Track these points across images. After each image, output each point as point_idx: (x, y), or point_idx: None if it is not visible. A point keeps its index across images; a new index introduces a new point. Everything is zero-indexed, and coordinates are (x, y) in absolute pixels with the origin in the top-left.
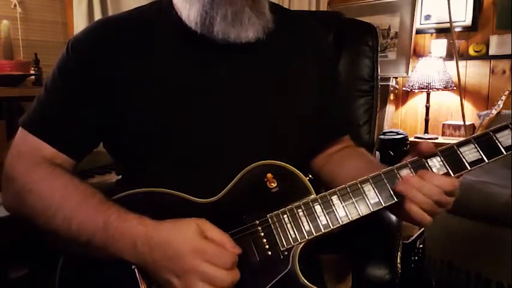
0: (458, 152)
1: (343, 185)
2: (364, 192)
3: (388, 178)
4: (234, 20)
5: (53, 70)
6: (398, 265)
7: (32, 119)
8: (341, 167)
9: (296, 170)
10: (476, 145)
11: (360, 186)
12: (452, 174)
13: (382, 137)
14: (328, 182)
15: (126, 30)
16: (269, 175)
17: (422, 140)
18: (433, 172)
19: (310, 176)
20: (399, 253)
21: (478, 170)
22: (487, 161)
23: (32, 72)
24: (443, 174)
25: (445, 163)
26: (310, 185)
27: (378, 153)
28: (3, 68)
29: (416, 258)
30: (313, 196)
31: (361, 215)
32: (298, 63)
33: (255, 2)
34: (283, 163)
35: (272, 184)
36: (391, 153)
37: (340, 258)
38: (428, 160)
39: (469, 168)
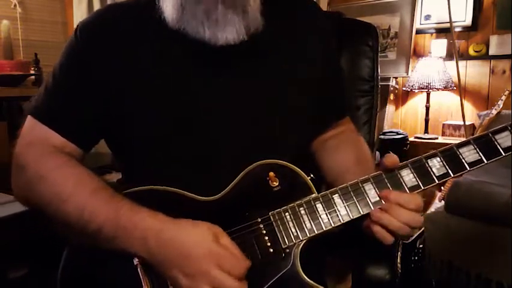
0: (458, 153)
1: (345, 184)
2: (365, 191)
3: (389, 178)
4: (207, 18)
5: (61, 56)
6: (399, 265)
7: (40, 108)
8: (331, 157)
9: (298, 168)
10: (475, 146)
11: (361, 185)
12: (452, 175)
13: (382, 137)
14: (318, 168)
15: (131, 18)
16: (271, 174)
17: (387, 154)
18: (396, 191)
19: (311, 175)
20: (399, 253)
21: (478, 170)
22: (486, 161)
23: (32, 72)
24: (443, 174)
25: (444, 163)
26: (311, 184)
27: (377, 153)
28: (3, 68)
29: (416, 258)
30: (314, 194)
31: (362, 213)
32: (297, 54)
33: None
34: (285, 162)
35: (274, 183)
36: (391, 153)
37: (340, 258)
38: (429, 160)
39: (468, 168)
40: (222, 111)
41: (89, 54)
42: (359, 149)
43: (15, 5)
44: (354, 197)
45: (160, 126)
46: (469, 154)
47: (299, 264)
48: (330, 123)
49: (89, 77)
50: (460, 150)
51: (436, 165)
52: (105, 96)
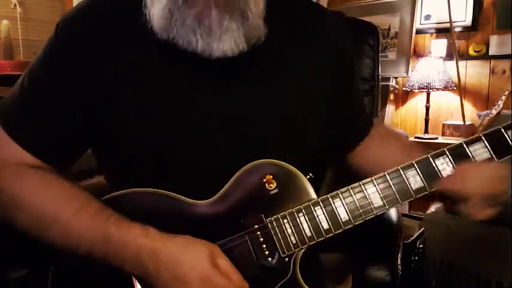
0: (468, 151)
1: (346, 187)
2: (368, 195)
3: (393, 179)
4: (198, 25)
5: (39, 55)
6: (399, 266)
7: (14, 121)
8: (380, 157)
9: (295, 169)
10: (486, 143)
11: (363, 187)
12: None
13: None
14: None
15: (118, 15)
16: (268, 176)
17: None
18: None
19: (310, 174)
20: (399, 253)
21: None
22: (496, 160)
23: None
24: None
25: (453, 163)
26: (310, 186)
27: None
28: (3, 68)
29: (416, 258)
30: (314, 199)
31: (364, 219)
32: (305, 62)
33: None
34: (281, 162)
35: (271, 185)
36: None
37: (340, 259)
38: (436, 160)
39: None
40: (218, 124)
41: (70, 55)
42: (400, 142)
43: (15, 5)
44: (357, 202)
45: (150, 136)
46: (480, 152)
47: (299, 273)
48: (355, 141)
49: (71, 80)
50: (470, 148)
51: (443, 165)
52: (89, 102)
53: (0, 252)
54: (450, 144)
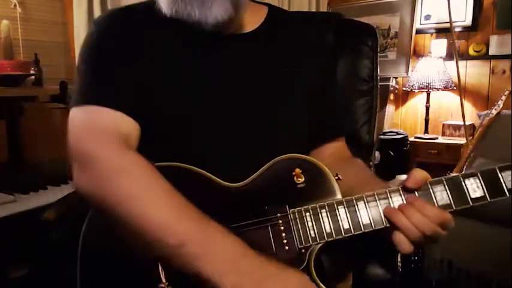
0: (500, 176)
1: (372, 192)
2: (393, 203)
3: (421, 191)
4: (194, 0)
5: (81, 54)
6: (399, 264)
7: (86, 94)
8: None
9: (326, 168)
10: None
11: (388, 195)
12: (489, 199)
13: (382, 137)
14: None
15: (138, 21)
16: (297, 170)
17: (414, 170)
18: (425, 201)
19: (339, 175)
20: (399, 253)
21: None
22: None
23: (32, 72)
24: (480, 197)
25: (482, 186)
26: (337, 186)
27: (377, 153)
28: (3, 68)
29: (416, 258)
30: (339, 198)
31: (385, 225)
32: (299, 62)
33: None
34: (314, 159)
35: (299, 179)
36: (391, 153)
37: (341, 256)
38: (466, 180)
39: (507, 195)
40: (231, 103)
41: (109, 43)
42: (364, 169)
43: (15, 5)
44: (380, 207)
45: (178, 118)
46: (474, 188)
47: (313, 267)
48: (323, 138)
49: (115, 61)
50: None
51: (473, 186)
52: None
53: (0, 252)
54: (450, 144)
